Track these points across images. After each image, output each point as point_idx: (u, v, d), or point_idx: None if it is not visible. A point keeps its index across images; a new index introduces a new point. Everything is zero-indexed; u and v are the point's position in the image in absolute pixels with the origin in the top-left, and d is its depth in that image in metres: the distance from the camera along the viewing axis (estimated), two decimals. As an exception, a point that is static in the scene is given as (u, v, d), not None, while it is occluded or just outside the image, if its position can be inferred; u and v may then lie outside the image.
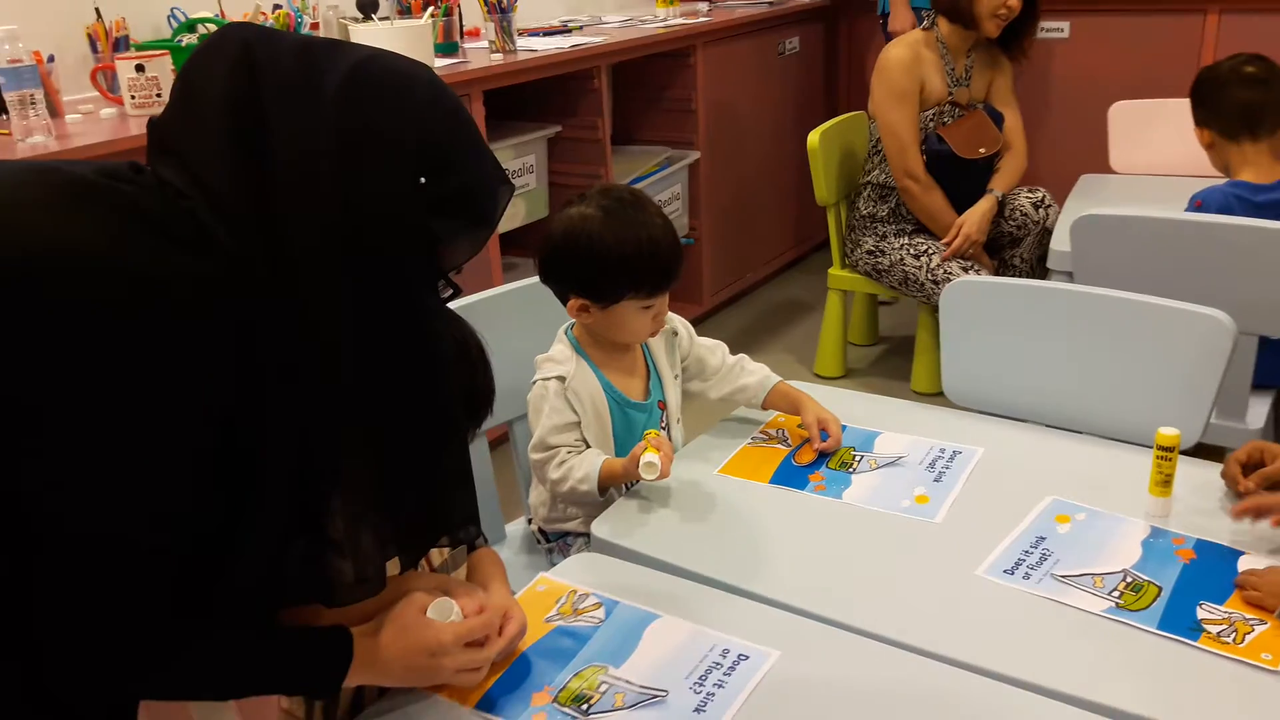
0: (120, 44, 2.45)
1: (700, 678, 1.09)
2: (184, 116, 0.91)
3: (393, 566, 0.99)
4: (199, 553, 0.90)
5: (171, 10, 2.62)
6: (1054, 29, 4.07)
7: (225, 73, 0.89)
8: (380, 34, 2.54)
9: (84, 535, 0.85)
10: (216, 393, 0.86)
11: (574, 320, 1.54)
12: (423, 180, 0.91)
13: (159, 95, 2.15)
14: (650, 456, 1.36)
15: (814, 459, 1.52)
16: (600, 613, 1.21)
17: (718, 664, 1.11)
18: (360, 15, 2.73)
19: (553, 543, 1.62)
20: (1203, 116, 2.24)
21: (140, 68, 2.14)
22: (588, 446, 1.51)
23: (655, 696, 1.07)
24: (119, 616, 0.88)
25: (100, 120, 2.17)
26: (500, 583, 1.20)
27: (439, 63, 2.70)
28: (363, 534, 0.94)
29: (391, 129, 0.90)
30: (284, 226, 0.86)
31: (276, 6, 2.75)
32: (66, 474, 0.83)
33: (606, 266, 1.43)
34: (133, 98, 2.15)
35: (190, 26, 2.52)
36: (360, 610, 1.03)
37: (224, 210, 0.86)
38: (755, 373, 1.64)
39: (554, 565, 1.35)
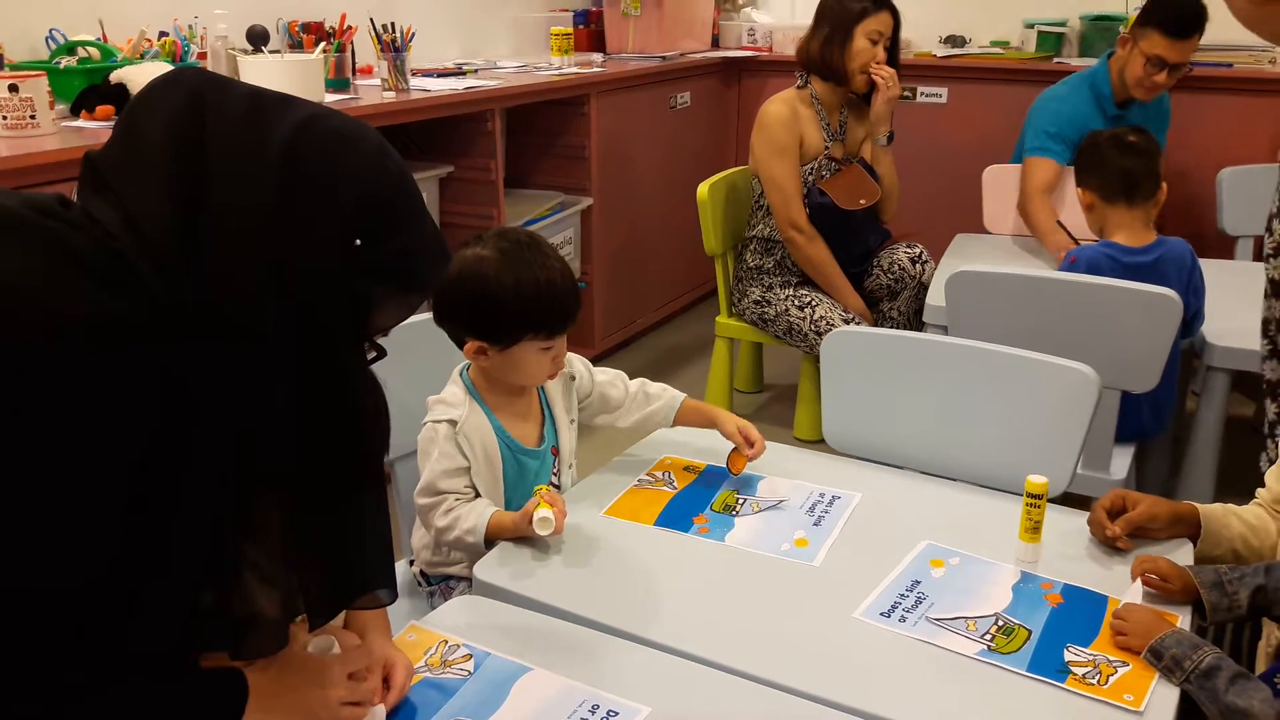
0: (-7, 63, 2.36)
1: None
2: (125, 156, 0.89)
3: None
4: (103, 599, 0.86)
5: (50, 31, 2.53)
6: (933, 94, 4.25)
7: (172, 116, 0.88)
8: (271, 67, 2.50)
9: None
10: (134, 436, 0.83)
11: (469, 361, 1.52)
12: (358, 242, 0.90)
13: (33, 117, 2.07)
14: (544, 512, 1.36)
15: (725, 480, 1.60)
16: (470, 665, 1.18)
17: None
18: (250, 47, 2.68)
19: (434, 585, 1.59)
20: (1085, 178, 2.38)
21: (14, 88, 2.05)
22: (476, 494, 1.49)
23: None
24: (7, 664, 0.83)
25: (-32, 140, 2.07)
26: (379, 632, 1.18)
27: (330, 98, 2.66)
28: (270, 584, 0.93)
29: (331, 188, 0.90)
30: (214, 275, 0.85)
31: (163, 34, 2.69)
32: None
33: (504, 308, 1.42)
34: (4, 118, 2.06)
35: (70, 49, 2.44)
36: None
37: (156, 254, 0.85)
38: (660, 395, 1.66)
39: (435, 608, 1.32)
